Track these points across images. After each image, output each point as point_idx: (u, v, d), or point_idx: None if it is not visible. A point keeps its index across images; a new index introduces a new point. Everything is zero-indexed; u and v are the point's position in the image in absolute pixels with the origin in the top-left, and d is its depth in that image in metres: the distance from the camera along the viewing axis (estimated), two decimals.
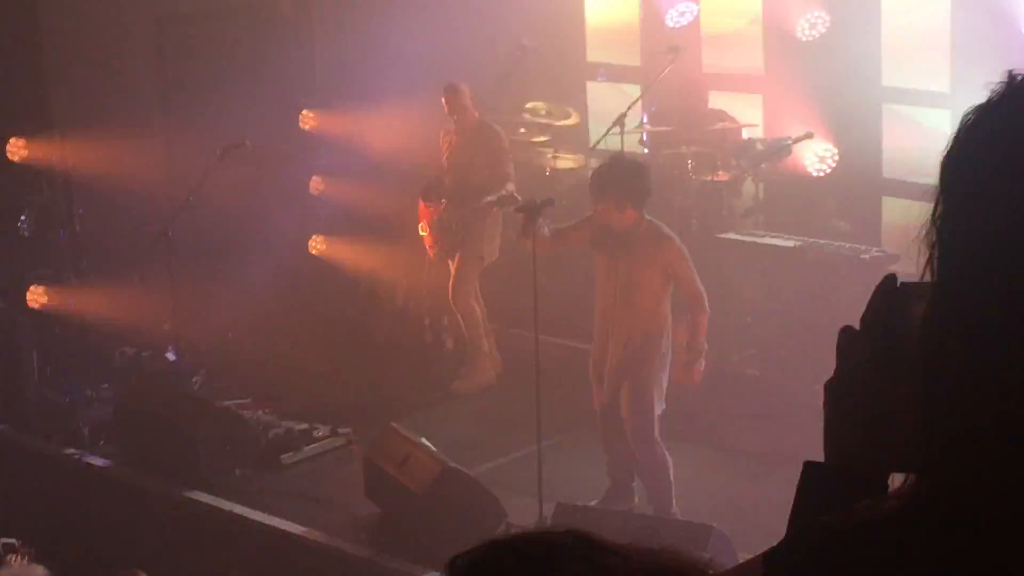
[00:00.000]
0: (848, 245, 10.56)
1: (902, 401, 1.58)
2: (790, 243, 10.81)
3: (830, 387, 1.72)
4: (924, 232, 1.51)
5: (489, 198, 10.68)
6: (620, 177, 8.51)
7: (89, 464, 10.00)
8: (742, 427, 9.90)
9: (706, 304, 8.56)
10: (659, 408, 8.59)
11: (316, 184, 12.67)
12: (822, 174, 11.66)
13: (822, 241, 10.70)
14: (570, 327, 10.23)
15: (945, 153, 1.53)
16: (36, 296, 11.17)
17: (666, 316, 8.62)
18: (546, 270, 11.24)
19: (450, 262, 10.90)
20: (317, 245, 12.49)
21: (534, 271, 8.66)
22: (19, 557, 7.50)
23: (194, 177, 10.89)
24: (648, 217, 8.55)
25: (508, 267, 11.88)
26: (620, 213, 8.42)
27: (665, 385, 8.63)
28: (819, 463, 1.71)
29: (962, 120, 1.53)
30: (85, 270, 11.27)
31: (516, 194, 10.70)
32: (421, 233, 11.04)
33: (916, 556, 1.46)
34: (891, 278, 1.67)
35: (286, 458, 9.86)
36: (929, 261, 1.51)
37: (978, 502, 1.45)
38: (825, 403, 1.72)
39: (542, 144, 12.56)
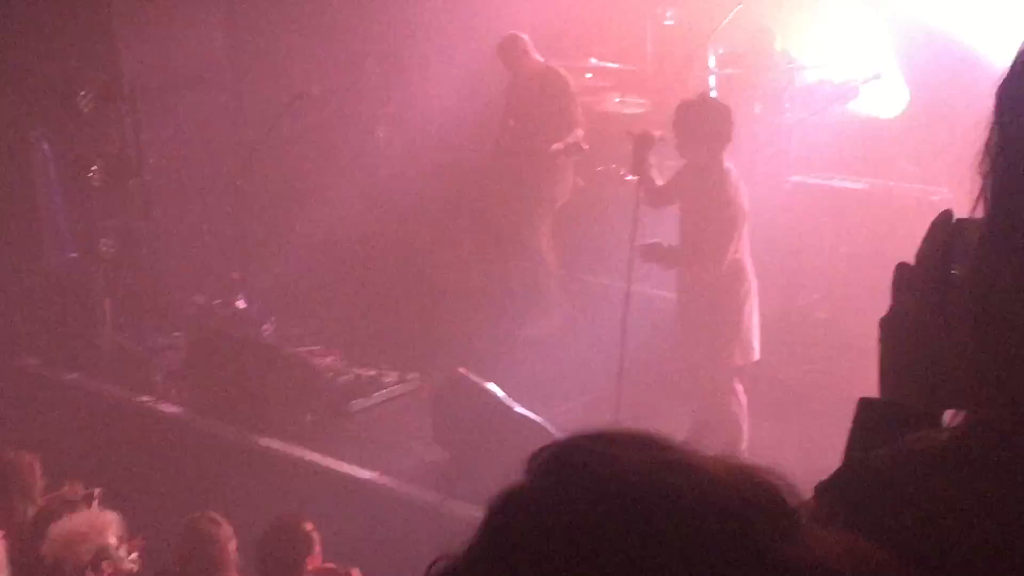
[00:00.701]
0: (918, 187, 10.46)
1: (956, 336, 1.57)
2: (859, 185, 10.73)
3: (885, 322, 1.71)
4: (979, 162, 1.50)
5: (556, 146, 10.67)
6: (707, 116, 8.41)
7: (161, 411, 10.13)
8: (810, 370, 9.86)
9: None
10: (743, 357, 8.56)
11: (381, 132, 12.68)
12: (893, 116, 11.54)
13: (891, 183, 10.61)
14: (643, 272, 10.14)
15: (1000, 83, 1.51)
16: (108, 246, 11.28)
17: (742, 260, 8.52)
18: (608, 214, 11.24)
19: (519, 208, 10.89)
20: (383, 194, 12.51)
21: (636, 206, 8.64)
22: (95, 503, 7.64)
23: (263, 126, 10.94)
24: (727, 164, 8.45)
25: (578, 210, 11.90)
26: (698, 149, 8.34)
27: (752, 336, 8.57)
28: (873, 399, 1.70)
29: (1018, 52, 1.51)
30: (156, 219, 11.36)
31: (583, 143, 10.67)
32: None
33: (968, 486, 1.46)
34: (947, 213, 1.66)
35: (355, 404, 9.92)
36: (982, 192, 1.50)
37: None
38: (880, 339, 1.72)
39: (608, 89, 12.51)
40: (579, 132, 10.74)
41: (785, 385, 9.73)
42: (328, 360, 10.45)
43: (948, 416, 1.59)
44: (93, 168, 11.11)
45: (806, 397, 9.50)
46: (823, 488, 1.55)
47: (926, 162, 11.40)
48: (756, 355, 8.57)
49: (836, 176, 11.42)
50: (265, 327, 11.03)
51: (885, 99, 11.44)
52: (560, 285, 11.12)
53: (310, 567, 7.26)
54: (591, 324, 10.50)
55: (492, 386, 8.81)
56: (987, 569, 1.41)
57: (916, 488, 1.48)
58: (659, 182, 8.71)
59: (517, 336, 10.87)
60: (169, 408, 10.15)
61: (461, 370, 9.13)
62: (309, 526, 7.37)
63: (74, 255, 11.41)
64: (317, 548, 7.35)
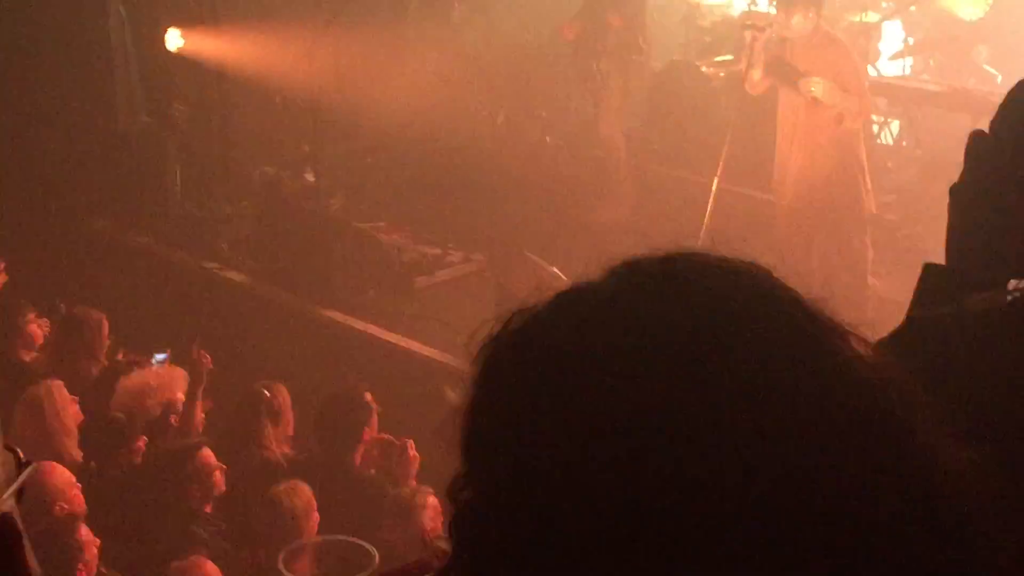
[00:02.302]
0: (999, 93, 10.30)
1: None
2: (936, 88, 10.58)
3: (955, 190, 1.71)
4: None
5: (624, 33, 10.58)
6: None
7: (228, 278, 10.23)
8: (880, 272, 9.80)
9: (869, 106, 9.05)
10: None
11: (459, 11, 12.59)
12: (974, 18, 11.35)
13: (970, 87, 10.46)
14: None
15: None
16: (180, 111, 11.32)
17: (857, 133, 8.78)
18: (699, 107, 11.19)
19: (597, 95, 10.83)
20: (458, 74, 12.44)
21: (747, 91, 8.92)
22: (166, 358, 7.76)
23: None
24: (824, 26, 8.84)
25: (650, 101, 11.82)
26: (804, 20, 8.65)
27: None
28: (938, 264, 1.70)
29: None
30: (228, 87, 11.34)
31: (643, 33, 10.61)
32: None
33: None
34: (1023, 84, 1.64)
35: (420, 281, 9.98)
36: None
37: None
38: (950, 207, 1.71)
39: None
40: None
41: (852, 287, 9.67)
42: (394, 237, 10.48)
43: (1012, 284, 1.59)
44: (168, 33, 11.11)
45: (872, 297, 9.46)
46: (882, 344, 1.55)
47: (1007, 66, 11.23)
48: None
49: (915, 78, 11.29)
50: (332, 201, 11.06)
51: (967, 1, 11.24)
52: (631, 175, 11.06)
53: (366, 436, 7.36)
54: (659, 215, 10.46)
55: (556, 270, 8.82)
56: None
57: (977, 345, 1.48)
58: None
59: (584, 222, 10.84)
60: (235, 276, 10.24)
61: (526, 253, 9.15)
62: (368, 396, 7.47)
63: (147, 120, 11.46)
64: (374, 419, 7.45)
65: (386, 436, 7.43)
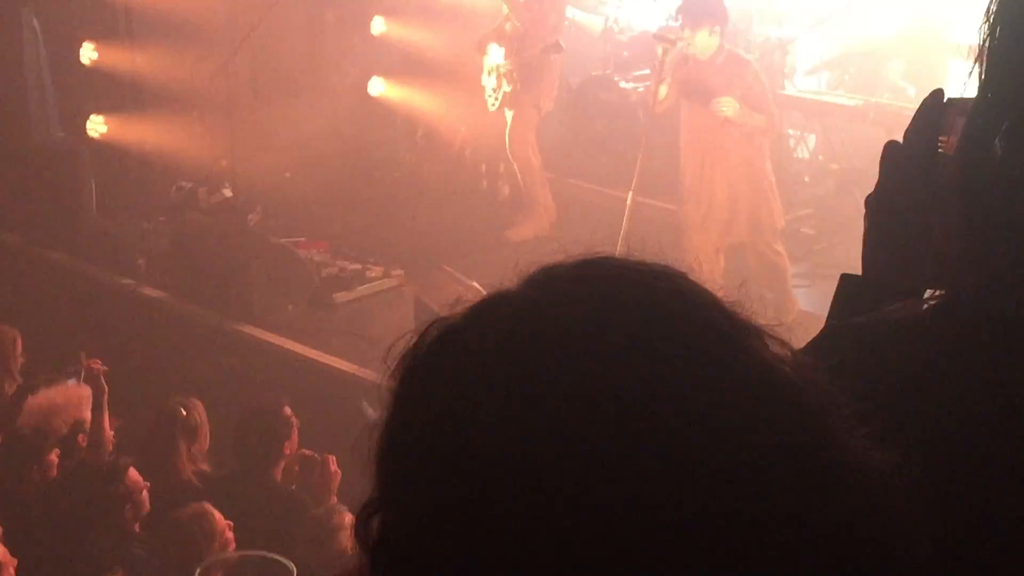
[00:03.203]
0: (912, 107, 10.41)
1: (941, 213, 1.57)
2: (852, 102, 10.69)
3: (871, 200, 1.71)
4: (978, 28, 1.48)
5: (536, 48, 10.55)
6: (709, 1, 8.95)
7: (144, 294, 10.13)
8: (797, 285, 9.86)
9: (777, 124, 9.16)
10: None
11: (377, 25, 12.56)
12: (889, 34, 11.48)
13: (885, 101, 10.58)
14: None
15: None
16: (96, 126, 11.21)
17: (763, 148, 8.87)
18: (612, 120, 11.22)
19: (507, 111, 10.82)
20: (376, 87, 12.40)
21: (651, 109, 9.03)
22: (75, 380, 7.65)
23: (255, 13, 10.83)
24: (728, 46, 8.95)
25: (568, 115, 11.85)
26: (709, 38, 8.74)
27: None
28: (855, 275, 1.71)
29: None
30: (145, 102, 11.29)
31: (561, 42, 10.60)
32: (483, 84, 10.91)
33: (944, 354, 1.46)
34: (938, 92, 1.65)
35: (339, 296, 9.94)
36: (979, 58, 1.48)
37: (1017, 309, 1.44)
38: (866, 216, 1.72)
39: None
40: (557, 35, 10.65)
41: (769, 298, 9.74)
42: (313, 252, 10.44)
43: (928, 293, 1.60)
44: (83, 47, 11.01)
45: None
46: (800, 353, 1.55)
47: (921, 81, 11.37)
48: None
49: (830, 92, 11.40)
50: (251, 216, 10.97)
51: (882, 16, 11.37)
52: (547, 189, 11.06)
53: (287, 451, 7.31)
54: (577, 228, 10.48)
55: (475, 284, 8.81)
56: (959, 432, 1.42)
57: (893, 353, 1.48)
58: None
59: (502, 237, 10.85)
60: (151, 292, 10.15)
61: (445, 267, 9.14)
62: (288, 411, 7.42)
63: (61, 134, 11.34)
64: (295, 434, 7.40)
65: (307, 452, 7.38)
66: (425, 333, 1.17)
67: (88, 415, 7.39)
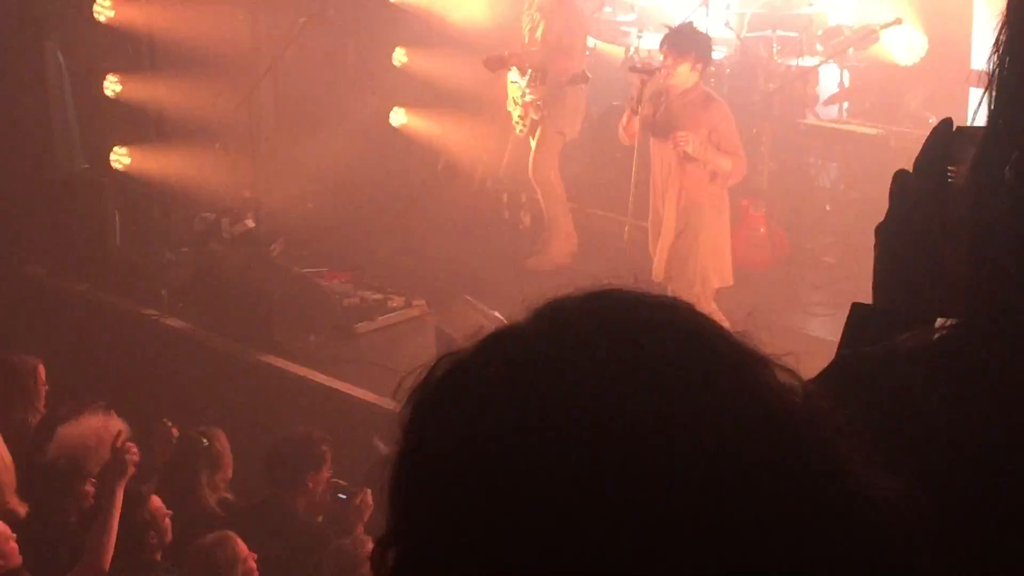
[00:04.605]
0: None
1: (951, 243, 1.57)
2: (873, 131, 10.69)
3: (881, 229, 1.72)
4: (987, 59, 1.48)
5: (563, 77, 10.59)
6: (697, 35, 9.04)
7: (167, 325, 10.16)
8: (816, 314, 9.86)
9: (744, 168, 8.98)
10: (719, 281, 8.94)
11: (399, 56, 12.62)
12: (910, 63, 11.48)
13: (906, 130, 10.56)
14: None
15: None
16: (119, 157, 11.27)
17: (722, 196, 8.84)
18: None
19: (531, 138, 10.84)
20: (398, 118, 12.44)
21: (636, 147, 9.02)
22: (103, 411, 7.63)
23: (277, 45, 10.90)
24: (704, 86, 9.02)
25: (591, 145, 11.86)
26: (690, 72, 8.74)
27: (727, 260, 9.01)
28: (866, 304, 1.71)
29: None
30: (168, 134, 11.35)
31: (587, 71, 10.64)
32: (508, 109, 10.95)
33: (954, 385, 1.46)
34: (947, 121, 1.66)
35: (361, 327, 9.95)
36: (988, 89, 1.49)
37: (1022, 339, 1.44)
38: (876, 246, 1.72)
39: (628, 23, 12.46)
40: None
41: (788, 329, 9.72)
42: (335, 282, 10.46)
43: (939, 323, 1.60)
44: (107, 79, 11.08)
45: (812, 339, 9.49)
46: (811, 384, 1.55)
47: (941, 110, 11.34)
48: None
49: (851, 121, 11.39)
50: (273, 247, 11.02)
51: (904, 46, 11.38)
52: (569, 217, 11.06)
53: (311, 483, 7.32)
54: (599, 258, 10.49)
55: (497, 315, 8.81)
56: (967, 462, 1.42)
57: (904, 384, 1.48)
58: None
59: (523, 266, 10.84)
60: (174, 323, 10.17)
61: (467, 297, 9.15)
62: (320, 442, 7.44)
63: (85, 166, 11.40)
64: (325, 467, 7.41)
65: (340, 482, 7.38)
66: (434, 367, 1.18)
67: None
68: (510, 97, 10.86)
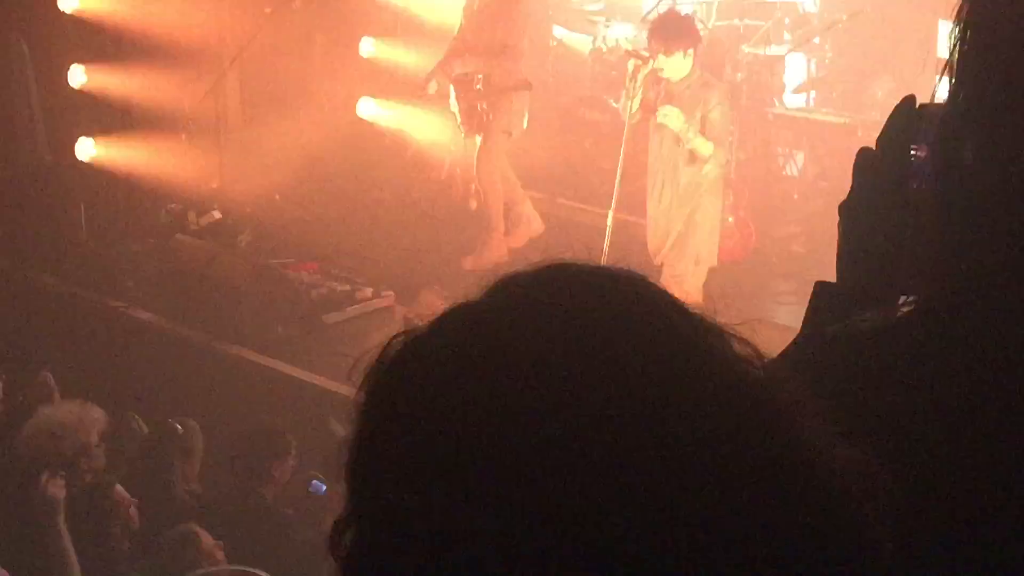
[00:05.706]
0: None
1: (914, 219, 1.57)
2: (840, 119, 10.71)
3: (844, 207, 1.71)
4: (948, 34, 1.47)
5: (507, 83, 10.44)
6: (684, 21, 9.04)
7: (134, 317, 10.11)
8: (785, 303, 9.88)
9: (721, 158, 8.99)
10: None
11: (366, 46, 12.58)
12: (877, 51, 11.51)
13: (873, 118, 10.58)
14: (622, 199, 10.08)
15: None
16: (85, 148, 11.21)
17: (715, 178, 8.94)
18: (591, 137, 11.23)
19: (476, 136, 10.69)
20: (366, 108, 12.42)
21: (624, 133, 9.07)
22: (81, 400, 7.55)
23: (244, 35, 10.85)
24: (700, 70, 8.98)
25: (559, 135, 11.86)
26: (683, 59, 8.73)
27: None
28: (829, 282, 1.71)
29: None
30: (134, 125, 11.28)
31: (528, 79, 10.51)
32: (451, 110, 10.81)
33: (916, 362, 1.46)
34: (910, 98, 1.65)
35: (329, 317, 9.92)
36: (948, 63, 1.48)
37: (988, 317, 1.44)
38: (840, 225, 1.72)
39: (595, 13, 12.46)
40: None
41: (757, 318, 9.71)
42: (302, 273, 10.42)
43: (901, 301, 1.59)
44: (72, 70, 11.01)
45: (780, 328, 9.51)
46: (773, 362, 1.54)
47: None
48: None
49: (818, 110, 11.42)
50: (240, 238, 10.98)
51: (870, 33, 11.41)
52: (527, 206, 10.91)
53: (276, 473, 7.29)
54: (562, 247, 10.43)
55: None
56: (929, 438, 1.42)
57: (865, 361, 1.48)
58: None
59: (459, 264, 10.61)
60: (141, 314, 10.13)
61: (435, 288, 9.15)
62: (284, 433, 7.43)
63: (50, 158, 11.33)
64: (289, 457, 7.38)
65: (315, 474, 7.36)
66: (388, 346, 1.17)
67: (95, 439, 7.20)
68: (451, 98, 10.69)
